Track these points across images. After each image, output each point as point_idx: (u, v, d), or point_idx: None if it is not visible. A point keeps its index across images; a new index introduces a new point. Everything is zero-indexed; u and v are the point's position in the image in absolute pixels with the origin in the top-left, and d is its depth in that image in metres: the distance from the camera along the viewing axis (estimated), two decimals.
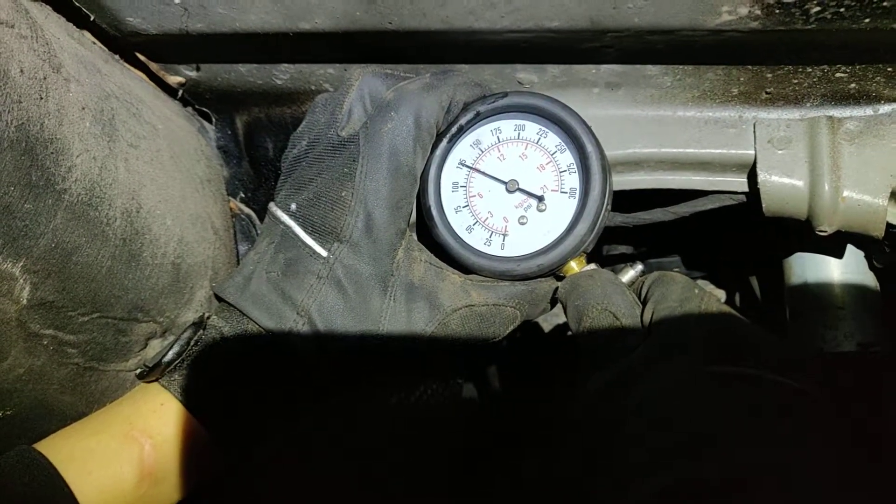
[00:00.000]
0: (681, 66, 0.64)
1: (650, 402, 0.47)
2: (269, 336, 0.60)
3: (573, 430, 0.52)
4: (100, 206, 0.56)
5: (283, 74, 0.73)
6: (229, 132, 0.81)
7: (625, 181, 0.71)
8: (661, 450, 0.43)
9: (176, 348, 0.58)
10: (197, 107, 0.81)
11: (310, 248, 0.61)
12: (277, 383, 0.61)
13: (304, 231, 0.61)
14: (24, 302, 0.52)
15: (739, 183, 0.68)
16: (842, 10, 0.51)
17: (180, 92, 0.77)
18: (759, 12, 0.53)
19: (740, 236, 0.78)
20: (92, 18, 0.65)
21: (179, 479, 0.56)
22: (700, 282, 0.93)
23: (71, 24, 0.64)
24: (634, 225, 0.74)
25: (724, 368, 0.51)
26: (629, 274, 0.65)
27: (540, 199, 0.64)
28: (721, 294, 0.89)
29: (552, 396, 0.76)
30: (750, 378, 0.50)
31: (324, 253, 0.60)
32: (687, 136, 0.68)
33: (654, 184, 0.70)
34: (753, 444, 0.42)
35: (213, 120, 0.82)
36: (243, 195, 0.83)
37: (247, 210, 0.81)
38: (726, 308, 0.59)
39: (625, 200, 0.73)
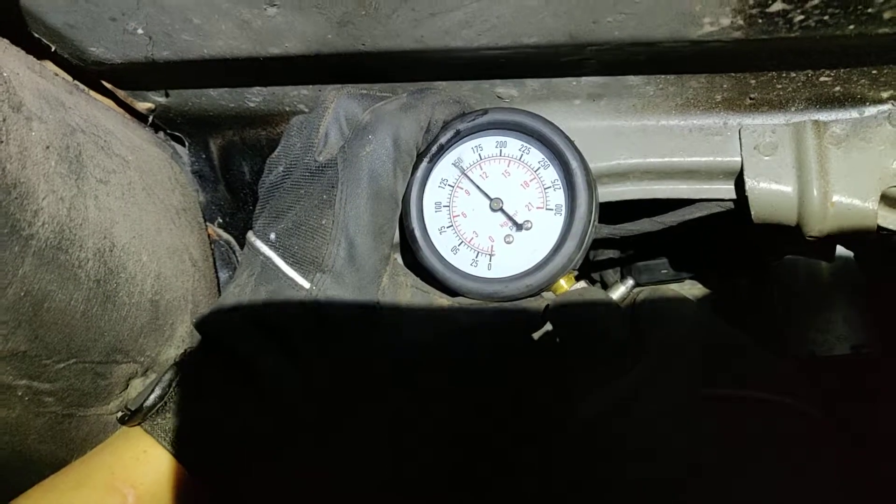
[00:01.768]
0: (663, 76, 0.62)
1: (639, 431, 0.46)
2: (254, 371, 0.58)
3: (561, 460, 0.51)
4: (70, 249, 0.54)
5: (255, 97, 0.71)
6: (204, 156, 0.79)
7: (611, 192, 0.69)
8: (645, 483, 0.42)
9: (157, 391, 0.56)
10: (169, 132, 0.79)
11: (291, 279, 0.59)
12: (263, 419, 0.59)
13: (285, 262, 0.59)
14: None
15: (727, 190, 0.67)
16: (826, 17, 0.50)
17: (150, 118, 0.75)
18: (741, 22, 0.52)
19: (729, 239, 0.77)
20: (53, 49, 0.63)
21: None
22: (688, 283, 0.92)
23: (31, 57, 0.61)
24: (622, 236, 0.72)
25: (717, 391, 0.50)
26: (620, 290, 0.64)
27: (520, 226, 0.62)
28: (710, 297, 0.88)
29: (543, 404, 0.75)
30: (744, 400, 0.49)
31: (306, 284, 0.58)
32: (672, 144, 0.66)
33: (640, 194, 0.69)
34: (743, 476, 0.41)
35: (187, 144, 0.80)
36: (221, 220, 0.81)
37: (225, 236, 0.79)
38: (720, 323, 0.58)
39: (611, 211, 0.71)
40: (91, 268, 0.56)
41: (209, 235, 0.78)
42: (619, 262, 0.96)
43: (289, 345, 0.58)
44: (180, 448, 0.55)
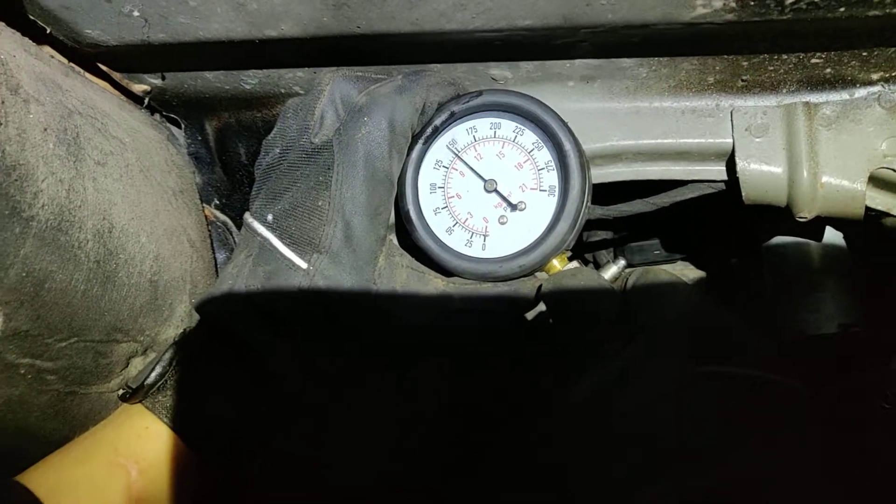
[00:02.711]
0: (656, 59, 0.63)
1: (636, 411, 0.48)
2: (251, 350, 0.59)
3: (552, 442, 0.52)
4: (70, 230, 0.55)
5: (251, 79, 0.71)
6: (200, 138, 0.79)
7: (603, 174, 0.70)
8: (644, 465, 0.43)
9: (158, 369, 0.57)
10: (165, 114, 0.79)
11: (289, 260, 0.60)
12: (262, 399, 0.60)
13: (283, 243, 0.60)
14: None
15: (718, 171, 0.68)
16: (816, 0, 0.51)
17: (146, 100, 0.75)
18: (733, 4, 0.52)
19: (720, 219, 0.78)
20: (48, 31, 0.63)
21: (168, 503, 0.55)
22: (680, 264, 0.93)
23: (27, 39, 0.62)
24: (615, 217, 0.73)
25: (711, 368, 0.51)
26: (612, 270, 0.65)
27: (514, 206, 0.63)
28: (702, 276, 0.89)
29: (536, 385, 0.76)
30: (738, 377, 0.50)
31: (303, 265, 0.59)
32: (664, 126, 0.67)
33: (632, 175, 0.70)
34: (739, 454, 0.42)
35: (183, 126, 0.80)
36: (218, 201, 0.81)
37: (222, 217, 0.79)
38: (711, 302, 0.59)
39: (604, 192, 0.72)
40: (91, 248, 0.57)
41: (206, 217, 0.79)
42: (611, 242, 0.97)
43: (286, 325, 0.59)
44: (181, 424, 0.56)
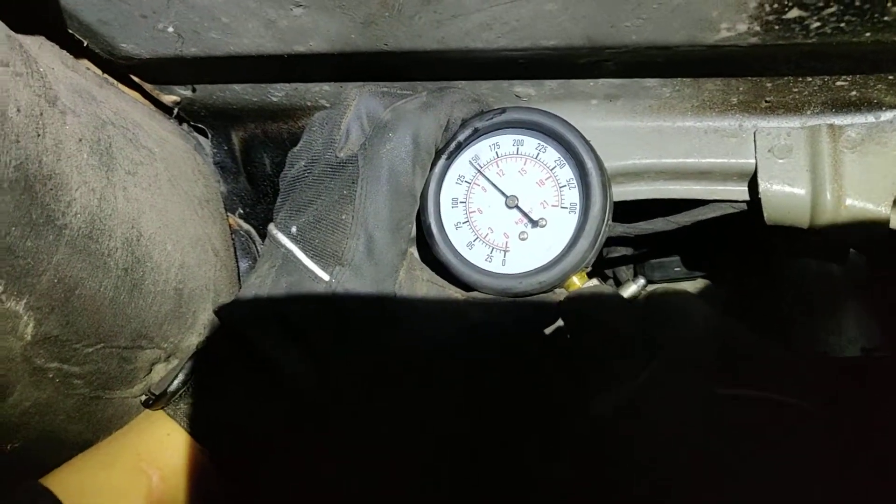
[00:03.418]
0: (679, 79, 0.63)
1: (654, 430, 0.48)
2: (272, 362, 0.60)
3: (568, 459, 0.52)
4: (100, 238, 0.56)
5: (278, 92, 0.73)
6: (226, 148, 0.81)
7: (625, 192, 0.70)
8: (662, 484, 0.43)
9: (181, 377, 0.58)
10: (192, 124, 0.81)
11: (311, 271, 0.60)
12: (281, 409, 0.61)
13: (306, 254, 0.61)
14: (29, 338, 0.52)
15: (740, 192, 0.68)
16: (842, 24, 0.51)
17: (175, 110, 0.77)
18: (758, 28, 0.53)
19: (742, 240, 0.78)
20: (85, 44, 0.64)
21: None
22: (700, 281, 0.93)
23: (65, 52, 0.63)
24: (636, 235, 0.73)
25: (732, 391, 0.51)
26: (631, 288, 0.65)
27: (535, 222, 0.63)
28: (722, 297, 0.89)
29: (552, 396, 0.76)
30: (758, 400, 0.50)
31: (326, 277, 0.60)
32: (687, 146, 0.67)
33: (654, 194, 0.70)
34: (759, 477, 0.42)
35: (210, 136, 0.81)
36: (242, 211, 0.82)
37: (246, 226, 0.81)
38: (731, 322, 0.59)
39: (625, 210, 0.72)
40: (119, 256, 0.58)
41: (230, 226, 0.80)
42: (632, 259, 0.97)
43: (307, 336, 0.60)
44: (201, 432, 0.57)
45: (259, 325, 0.60)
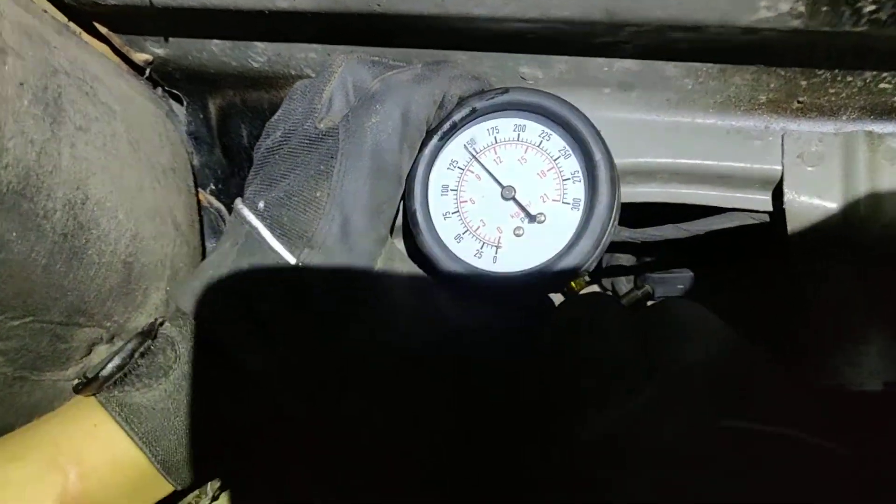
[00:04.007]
0: (704, 67, 0.57)
1: (644, 461, 0.41)
2: (227, 351, 0.53)
3: (555, 487, 0.45)
4: (36, 197, 0.49)
5: (259, 56, 0.66)
6: (201, 116, 0.74)
7: (634, 193, 0.64)
8: None
9: (117, 360, 0.51)
10: (167, 89, 0.74)
11: (276, 252, 0.53)
12: (234, 405, 0.54)
13: (272, 233, 0.54)
14: None
15: (762, 201, 0.61)
16: None
17: (147, 71, 0.70)
18: (802, 9, 0.46)
19: (756, 254, 0.71)
20: None
21: None
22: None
23: None
24: (643, 241, 0.67)
25: (736, 423, 0.44)
26: (636, 297, 0.58)
27: (532, 217, 0.57)
28: (732, 315, 0.82)
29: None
30: (766, 436, 0.43)
31: (292, 259, 0.53)
32: (706, 146, 0.61)
33: (666, 197, 0.63)
34: None
35: (185, 103, 0.75)
36: (214, 186, 0.76)
37: (216, 203, 0.74)
38: (742, 343, 0.52)
39: (632, 213, 0.66)
40: (58, 220, 0.51)
41: (199, 202, 0.73)
42: (632, 270, 0.91)
43: (266, 325, 0.53)
44: (137, 426, 0.50)
45: (212, 308, 0.53)
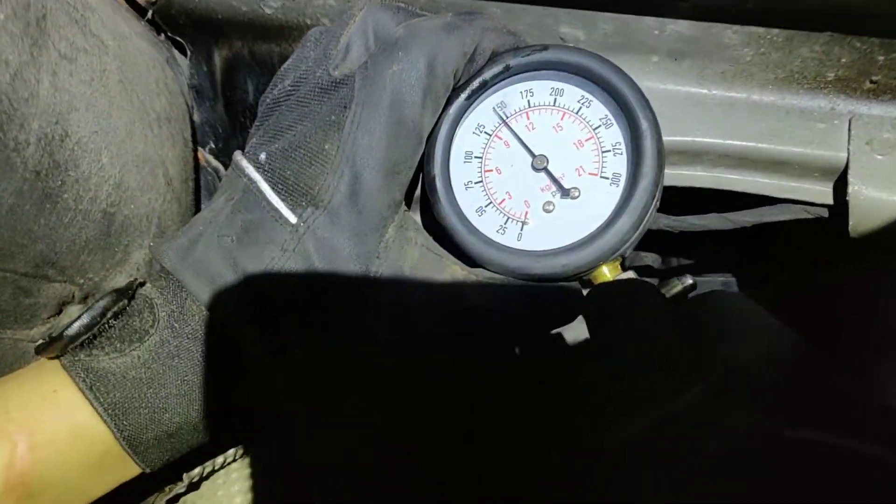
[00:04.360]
0: (769, 35, 0.50)
1: (690, 473, 0.34)
2: (211, 318, 0.46)
3: (579, 491, 0.39)
4: (7, 126, 0.43)
5: (273, 2, 0.60)
6: (205, 69, 0.68)
7: (677, 176, 0.57)
8: None
9: (85, 318, 0.44)
10: (170, 35, 0.68)
11: (276, 210, 0.47)
12: (216, 378, 0.47)
13: (273, 189, 0.48)
14: None
15: (821, 192, 0.55)
16: None
17: (150, 13, 0.64)
18: None
19: (806, 252, 0.65)
20: None
21: (64, 493, 0.42)
22: None
23: None
24: (681, 231, 0.60)
25: (803, 433, 0.37)
26: (677, 289, 0.52)
27: (566, 192, 0.51)
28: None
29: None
30: (840, 450, 0.36)
31: (293, 219, 0.47)
32: (762, 127, 0.54)
33: (711, 182, 0.57)
34: None
35: (188, 53, 0.68)
36: (213, 145, 0.69)
37: (214, 163, 0.67)
38: (803, 342, 0.46)
39: (671, 199, 0.59)
40: (31, 155, 0.45)
41: (197, 160, 0.67)
42: (658, 274, 0.84)
43: (259, 293, 0.47)
44: (103, 395, 0.44)
45: (199, 269, 0.47)
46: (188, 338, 0.46)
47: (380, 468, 0.58)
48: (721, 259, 0.69)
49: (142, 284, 0.49)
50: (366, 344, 0.50)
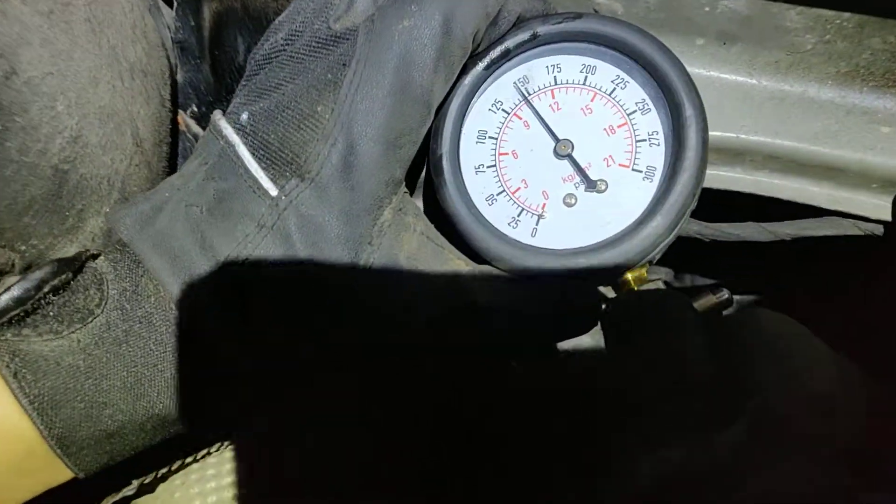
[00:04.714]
0: (838, 19, 0.44)
1: None
2: (170, 300, 0.39)
3: None
4: None
5: None
6: (193, 23, 0.61)
7: (713, 177, 0.51)
8: None
9: (16, 290, 0.37)
10: None
11: (254, 179, 0.40)
12: (172, 371, 0.40)
13: (252, 154, 0.41)
14: None
15: (877, 206, 0.48)
16: None
17: None
18: None
19: (849, 274, 0.58)
20: None
21: None
22: None
23: None
24: (713, 239, 0.54)
25: (873, 498, 0.31)
26: (711, 303, 0.45)
27: (592, 184, 0.44)
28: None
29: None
30: None
31: (273, 190, 0.40)
32: (817, 126, 0.48)
33: (753, 187, 0.51)
34: None
35: (175, 5, 0.61)
36: (195, 109, 0.62)
37: (195, 128, 0.60)
38: (857, 374, 0.39)
39: (705, 202, 0.53)
40: None
41: (177, 123, 0.60)
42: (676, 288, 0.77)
43: (228, 276, 0.40)
44: (30, 384, 0.36)
45: (161, 241, 0.40)
46: (140, 322, 0.39)
47: (377, 467, 0.52)
48: (747, 276, 0.63)
49: (94, 257, 0.42)
50: (350, 338, 0.43)
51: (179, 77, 0.62)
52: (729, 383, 0.38)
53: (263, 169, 0.40)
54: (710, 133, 0.48)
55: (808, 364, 0.37)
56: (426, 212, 0.50)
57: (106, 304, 0.39)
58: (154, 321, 0.39)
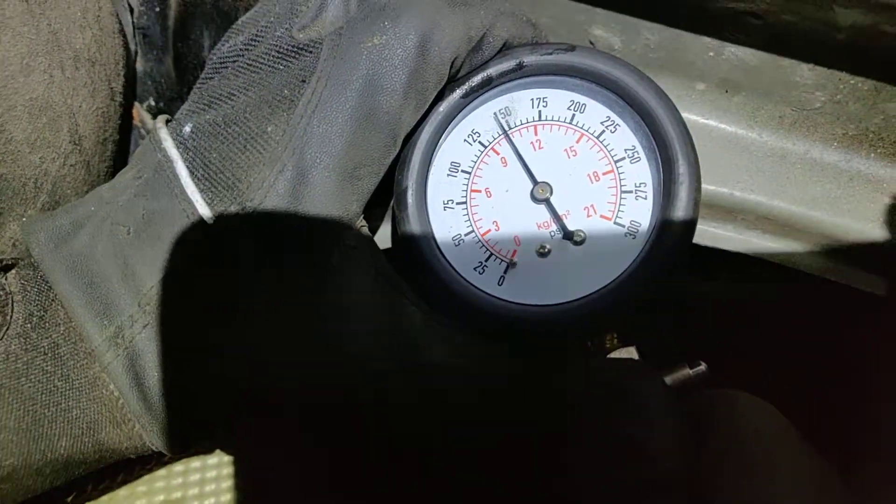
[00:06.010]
0: (853, 80, 0.40)
1: None
2: (81, 331, 0.35)
3: None
4: None
5: None
6: (158, 10, 0.56)
7: (704, 232, 0.47)
8: None
9: None
10: None
11: (189, 202, 0.36)
12: (80, 411, 0.35)
13: (191, 173, 0.36)
14: None
15: (876, 282, 0.44)
16: None
17: None
18: None
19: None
20: None
21: None
22: None
23: None
24: (685, 305, 0.50)
25: None
26: (685, 376, 0.41)
27: (568, 235, 0.40)
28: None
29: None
30: None
31: (208, 214, 0.35)
32: (817, 190, 0.44)
33: (742, 247, 0.47)
34: None
35: None
36: (153, 102, 0.57)
37: (150, 123, 0.55)
38: (832, 479, 0.36)
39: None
40: None
41: (131, 117, 0.55)
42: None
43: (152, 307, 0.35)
44: None
45: (77, 264, 0.35)
46: (45, 354, 0.35)
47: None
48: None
49: (8, 268, 0.37)
50: (287, 397, 0.38)
51: (139, 66, 0.57)
52: (699, 472, 0.34)
53: (201, 191, 0.36)
54: (703, 186, 0.44)
55: (776, 460, 0.33)
56: (393, 243, 0.46)
57: (7, 329, 0.35)
58: (61, 353, 0.35)
